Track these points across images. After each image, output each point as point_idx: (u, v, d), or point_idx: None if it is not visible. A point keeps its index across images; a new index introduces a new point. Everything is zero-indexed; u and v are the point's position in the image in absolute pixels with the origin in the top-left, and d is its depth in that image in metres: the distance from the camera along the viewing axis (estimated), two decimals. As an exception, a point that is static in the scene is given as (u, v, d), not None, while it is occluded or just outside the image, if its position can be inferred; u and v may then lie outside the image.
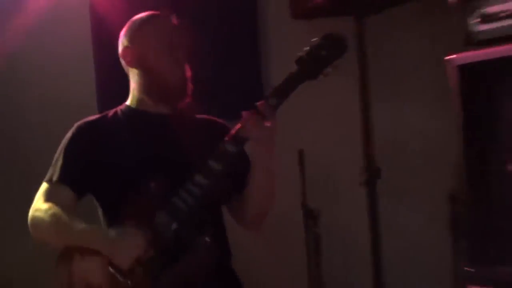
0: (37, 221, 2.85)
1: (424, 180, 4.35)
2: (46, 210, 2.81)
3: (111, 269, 2.69)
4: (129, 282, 2.68)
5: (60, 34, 5.12)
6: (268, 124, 2.73)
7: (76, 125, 2.99)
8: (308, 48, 2.80)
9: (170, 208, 2.72)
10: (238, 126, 2.77)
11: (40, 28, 5.10)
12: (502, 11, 3.04)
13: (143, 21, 3.01)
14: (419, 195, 4.36)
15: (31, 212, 2.89)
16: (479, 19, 3.13)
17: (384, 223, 4.11)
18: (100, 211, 2.98)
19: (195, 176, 2.73)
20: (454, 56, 3.20)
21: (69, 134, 2.97)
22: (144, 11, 3.04)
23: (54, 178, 2.88)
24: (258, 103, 2.74)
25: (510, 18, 3.02)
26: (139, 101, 3.02)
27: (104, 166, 2.90)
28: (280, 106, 2.76)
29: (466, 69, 3.18)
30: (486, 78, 3.22)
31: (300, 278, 4.30)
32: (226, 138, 2.76)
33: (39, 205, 2.85)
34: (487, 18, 3.10)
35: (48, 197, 2.86)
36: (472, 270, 3.21)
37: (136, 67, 2.98)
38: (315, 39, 2.81)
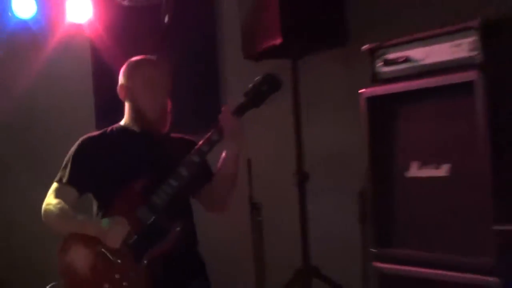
0: (48, 212, 2.89)
1: (341, 182, 4.37)
2: (55, 205, 2.87)
3: (103, 250, 2.77)
4: (118, 260, 2.77)
5: (66, 70, 5.08)
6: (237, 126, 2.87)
7: (81, 138, 3.02)
8: (252, 84, 2.92)
9: (149, 203, 2.80)
10: (201, 142, 2.88)
11: (49, 66, 5.02)
12: (399, 57, 3.20)
13: (133, 66, 3.04)
14: (337, 193, 4.41)
15: (44, 205, 2.92)
16: (382, 63, 3.28)
17: (311, 215, 4.23)
18: (95, 205, 3.02)
19: (169, 180, 2.81)
20: (364, 90, 3.35)
21: (75, 146, 3.00)
22: (136, 53, 3.09)
23: (64, 180, 2.92)
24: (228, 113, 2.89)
25: (404, 63, 3.17)
26: (129, 123, 3.05)
27: (102, 171, 2.95)
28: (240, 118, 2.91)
29: (372, 100, 3.33)
30: (386, 106, 3.35)
31: (247, 258, 4.38)
32: (192, 152, 2.87)
33: (50, 200, 2.90)
34: (388, 62, 3.25)
35: (57, 194, 2.91)
36: (375, 250, 3.37)
37: (127, 101, 3.03)
38: (257, 77, 2.93)
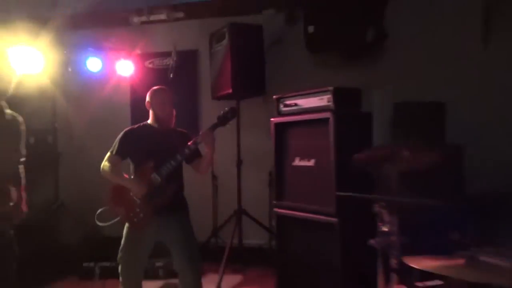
0: (104, 169, 2.82)
1: (260, 166, 4.38)
2: (108, 166, 2.81)
3: (132, 195, 2.76)
4: (138, 201, 2.74)
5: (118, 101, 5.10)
6: (211, 135, 2.77)
7: (125, 129, 2.92)
8: (222, 112, 2.84)
9: (158, 172, 2.74)
10: (195, 139, 2.78)
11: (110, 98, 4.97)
12: (291, 103, 3.34)
13: (154, 91, 2.95)
14: (257, 172, 4.48)
15: (102, 164, 2.84)
16: (283, 105, 3.41)
17: (243, 182, 4.30)
18: (131, 166, 2.89)
19: (170, 160, 2.74)
20: (273, 119, 3.48)
21: (122, 132, 2.90)
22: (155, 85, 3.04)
23: (114, 151, 2.84)
24: (207, 129, 2.80)
25: (294, 106, 3.31)
26: (152, 123, 2.94)
27: (136, 149, 2.84)
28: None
29: (277, 124, 3.44)
30: (284, 128, 3.42)
31: (209, 203, 4.57)
32: (186, 146, 2.76)
33: (105, 162, 2.84)
34: (286, 105, 3.39)
35: (109, 159, 2.84)
36: (275, 202, 3.46)
37: (150, 110, 2.94)
38: (226, 108, 2.85)
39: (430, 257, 1.86)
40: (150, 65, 4.81)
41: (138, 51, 4.73)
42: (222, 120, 2.84)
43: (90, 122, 5.00)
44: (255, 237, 4.46)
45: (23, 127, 2.53)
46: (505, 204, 3.47)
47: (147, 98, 2.97)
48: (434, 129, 3.60)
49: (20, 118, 2.53)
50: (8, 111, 2.47)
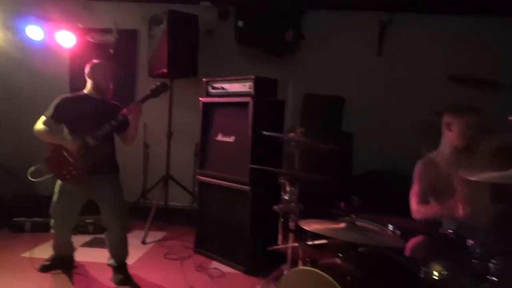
0: (37, 129, 2.64)
1: (188, 138, 4.25)
2: (42, 126, 2.64)
3: (65, 153, 2.60)
4: (72, 160, 2.59)
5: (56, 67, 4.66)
6: (139, 109, 2.69)
7: (61, 96, 2.72)
8: (154, 86, 2.74)
9: (92, 135, 2.59)
10: (125, 110, 2.66)
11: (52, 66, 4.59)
12: (218, 87, 3.33)
13: (96, 64, 2.77)
14: (185, 143, 4.33)
15: (36, 126, 2.65)
16: (211, 88, 3.38)
17: (172, 152, 4.15)
18: (65, 130, 2.72)
19: (105, 125, 2.61)
20: (202, 99, 3.43)
21: (57, 99, 2.71)
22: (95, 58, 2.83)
23: (48, 115, 2.66)
24: (136, 102, 2.71)
25: (221, 90, 3.30)
26: (89, 91, 2.75)
27: (70, 116, 2.66)
28: (143, 104, 2.71)
29: (205, 104, 3.40)
30: (210, 108, 3.38)
31: (139, 169, 4.44)
32: (118, 115, 2.65)
33: (39, 124, 2.65)
34: (214, 88, 3.36)
35: (44, 123, 2.65)
36: (198, 170, 3.43)
37: (90, 80, 2.75)
38: (158, 83, 2.76)
39: (319, 221, 1.93)
40: (91, 39, 4.45)
41: (79, 25, 4.38)
42: (154, 93, 2.75)
43: (29, 86, 4.61)
44: (179, 200, 4.40)
45: None
46: (383, 180, 3.80)
47: (87, 68, 2.79)
48: (334, 118, 3.77)
49: None
50: None
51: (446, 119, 2.29)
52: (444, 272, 1.62)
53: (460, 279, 1.60)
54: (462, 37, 4.11)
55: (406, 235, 2.16)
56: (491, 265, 1.50)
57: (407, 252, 2.11)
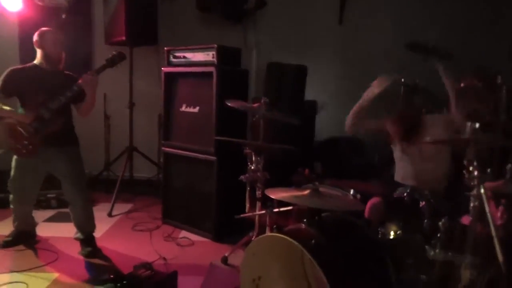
0: None
1: (151, 109, 4.25)
2: None
3: (19, 128, 2.50)
4: (25, 133, 2.50)
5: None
6: (94, 80, 2.59)
7: (10, 68, 2.61)
8: (110, 55, 2.67)
9: (47, 106, 2.51)
10: (80, 80, 2.56)
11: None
12: (180, 56, 3.27)
13: (44, 32, 2.64)
14: (147, 114, 4.30)
15: None
16: (172, 57, 3.31)
17: (135, 124, 4.10)
18: (19, 103, 2.61)
19: (59, 96, 2.53)
20: (164, 68, 3.36)
21: (6, 71, 2.60)
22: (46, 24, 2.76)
23: None
24: (91, 71, 2.61)
25: (183, 59, 3.25)
26: (40, 62, 2.65)
27: (22, 88, 2.57)
28: (99, 75, 2.63)
29: (167, 74, 3.34)
30: (173, 77, 3.34)
31: (101, 141, 4.33)
32: (73, 86, 2.56)
33: None
34: (175, 57, 3.30)
35: None
36: (163, 142, 3.41)
37: (39, 49, 2.65)
38: (114, 52, 2.69)
39: (284, 189, 2.00)
40: (40, 2, 4.16)
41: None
42: (110, 62, 2.67)
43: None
44: (144, 171, 4.38)
45: None
46: (344, 146, 3.94)
47: (36, 37, 2.66)
48: (297, 87, 3.82)
49: None
50: None
51: None
52: (399, 232, 1.77)
53: (412, 237, 1.75)
54: (424, 4, 4.15)
55: (365, 199, 2.32)
56: (439, 224, 1.65)
57: (366, 212, 2.24)
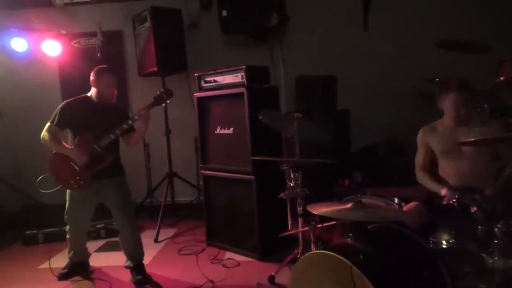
0: (44, 138, 2.65)
1: (187, 133, 4.24)
2: (48, 134, 2.65)
3: (72, 164, 2.64)
4: (78, 169, 2.63)
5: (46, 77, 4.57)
6: (147, 115, 2.66)
7: (65, 101, 2.74)
8: (158, 92, 2.71)
9: (97, 144, 2.63)
10: (133, 116, 2.66)
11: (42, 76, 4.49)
12: (211, 80, 3.30)
13: (100, 71, 2.76)
14: (185, 138, 4.32)
15: (42, 134, 2.67)
16: (203, 82, 3.36)
17: (173, 150, 4.14)
18: (71, 136, 2.73)
19: (110, 134, 2.63)
20: (196, 93, 3.41)
21: (61, 104, 2.72)
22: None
23: (54, 122, 2.67)
24: (143, 107, 2.65)
25: (213, 82, 3.28)
26: (92, 96, 2.76)
27: (75, 120, 2.68)
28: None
29: (199, 98, 3.37)
30: (205, 101, 3.37)
31: (143, 169, 4.42)
32: (124, 123, 2.65)
33: (45, 132, 2.67)
34: (206, 82, 3.34)
35: (49, 129, 2.67)
36: (201, 165, 3.41)
37: (94, 87, 2.75)
38: (162, 89, 2.72)
39: (326, 204, 1.96)
40: (77, 45, 4.43)
41: (63, 32, 4.36)
42: (158, 100, 2.73)
43: (20, 101, 4.56)
44: (185, 195, 4.43)
45: None
46: (383, 153, 3.85)
47: (92, 77, 2.78)
48: (328, 97, 3.79)
49: None
50: None
51: (438, 94, 2.33)
52: (452, 241, 1.68)
53: (467, 245, 1.66)
54: (449, 1, 4.07)
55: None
56: (495, 229, 1.56)
57: (404, 219, 2.14)
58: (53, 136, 2.67)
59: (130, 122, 2.67)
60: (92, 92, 2.81)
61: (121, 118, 2.71)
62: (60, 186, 2.71)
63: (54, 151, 2.70)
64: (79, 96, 2.82)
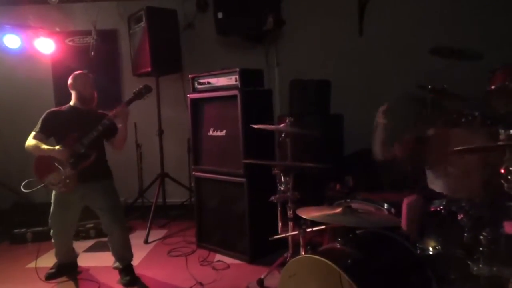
0: (28, 144, 2.66)
1: (179, 134, 4.23)
2: (32, 141, 2.65)
3: (56, 163, 2.64)
4: (62, 168, 2.63)
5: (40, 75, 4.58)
6: (125, 111, 2.73)
7: (48, 110, 2.77)
8: (137, 88, 2.79)
9: (81, 142, 2.64)
10: (111, 113, 2.71)
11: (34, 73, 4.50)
12: (204, 82, 3.31)
13: (76, 75, 2.81)
14: (177, 140, 4.33)
15: (27, 143, 2.67)
16: (197, 83, 3.36)
17: (165, 150, 4.16)
18: (55, 142, 2.73)
19: (92, 131, 2.65)
20: (189, 95, 3.41)
21: (44, 114, 2.75)
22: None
23: (37, 130, 2.69)
24: (121, 104, 2.74)
25: (207, 84, 3.29)
26: (74, 103, 2.81)
27: (59, 129, 2.71)
28: (128, 106, 2.75)
29: (193, 100, 3.38)
30: (198, 103, 3.37)
31: (134, 169, 4.42)
32: (104, 119, 2.69)
33: (30, 140, 2.67)
34: (200, 83, 3.34)
35: (34, 137, 2.67)
36: (193, 166, 3.43)
37: (73, 91, 2.81)
38: (141, 85, 2.80)
39: (316, 208, 1.99)
40: (71, 43, 4.41)
41: (57, 29, 4.34)
42: (138, 95, 2.79)
43: (12, 98, 4.55)
44: (177, 196, 4.43)
45: None
46: (374, 160, 3.85)
47: (69, 81, 2.84)
48: (322, 101, 3.81)
49: None
50: None
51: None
52: (438, 247, 1.70)
53: (454, 252, 1.68)
54: (443, 8, 4.11)
55: (400, 211, 2.26)
56: (481, 237, 1.58)
57: (403, 212, 2.13)
58: (37, 142, 2.67)
59: (106, 122, 2.69)
60: (73, 98, 2.85)
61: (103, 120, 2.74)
62: (42, 184, 2.67)
63: (37, 156, 2.69)
64: (62, 106, 2.86)
